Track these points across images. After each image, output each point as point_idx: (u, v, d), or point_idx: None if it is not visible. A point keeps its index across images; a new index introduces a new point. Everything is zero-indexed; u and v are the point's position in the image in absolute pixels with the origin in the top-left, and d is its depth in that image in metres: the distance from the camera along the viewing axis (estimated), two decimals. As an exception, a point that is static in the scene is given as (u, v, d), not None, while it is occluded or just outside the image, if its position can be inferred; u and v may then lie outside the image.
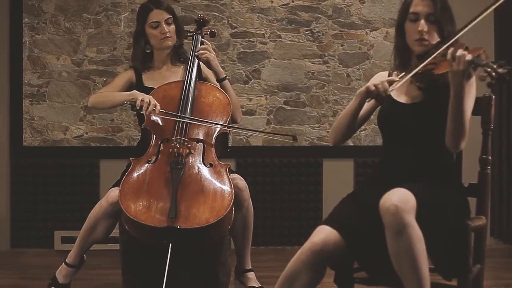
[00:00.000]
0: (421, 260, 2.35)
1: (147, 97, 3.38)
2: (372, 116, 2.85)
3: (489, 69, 2.28)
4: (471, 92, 2.58)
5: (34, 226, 4.80)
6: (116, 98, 3.52)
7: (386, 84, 2.54)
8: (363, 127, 2.91)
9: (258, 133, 3.29)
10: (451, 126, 2.50)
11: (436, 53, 2.53)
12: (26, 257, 4.66)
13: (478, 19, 2.55)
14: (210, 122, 3.44)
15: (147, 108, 3.35)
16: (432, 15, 2.62)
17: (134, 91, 3.48)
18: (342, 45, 4.90)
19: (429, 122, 2.60)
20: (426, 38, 2.62)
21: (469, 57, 2.38)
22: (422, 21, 2.62)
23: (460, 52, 2.41)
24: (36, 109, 4.81)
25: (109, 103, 3.57)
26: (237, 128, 3.48)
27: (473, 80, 2.58)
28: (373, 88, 2.55)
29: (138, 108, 3.37)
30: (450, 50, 2.45)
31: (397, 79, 2.57)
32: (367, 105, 2.73)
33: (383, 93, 2.54)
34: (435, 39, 2.62)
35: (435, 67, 2.54)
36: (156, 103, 3.39)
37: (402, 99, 2.71)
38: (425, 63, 2.56)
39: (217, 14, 4.85)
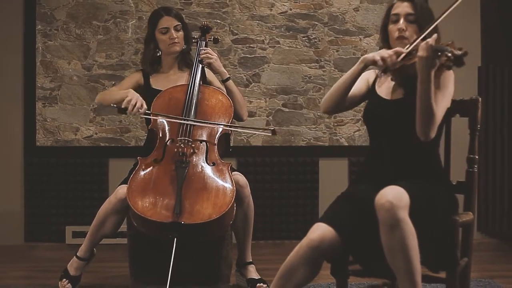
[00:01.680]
0: (414, 254, 2.35)
1: (134, 99, 3.37)
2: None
3: (447, 53, 2.31)
4: (448, 88, 2.58)
5: (46, 221, 4.79)
6: (115, 96, 3.51)
7: (394, 57, 2.56)
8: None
9: (242, 129, 3.38)
10: (419, 113, 2.49)
11: (417, 41, 2.54)
12: (39, 250, 4.66)
13: (451, 9, 2.57)
14: (206, 122, 3.43)
15: (132, 109, 3.35)
16: (411, 15, 2.66)
17: (130, 90, 3.46)
18: (337, 51, 4.90)
19: (409, 117, 2.57)
20: (406, 36, 2.65)
21: (430, 42, 2.40)
22: (402, 20, 2.66)
23: (426, 41, 2.43)
24: (49, 111, 4.82)
25: (110, 101, 3.56)
26: (222, 125, 3.46)
27: (452, 77, 2.60)
28: (381, 62, 2.56)
29: (123, 108, 3.36)
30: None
31: (404, 50, 2.56)
32: (359, 87, 2.75)
33: (391, 66, 2.55)
34: (414, 38, 2.63)
35: (410, 58, 2.55)
36: (143, 104, 3.38)
37: (385, 95, 2.72)
38: (414, 44, 2.55)
39: (219, 21, 4.85)
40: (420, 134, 2.52)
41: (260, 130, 3.33)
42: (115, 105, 3.38)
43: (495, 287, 3.53)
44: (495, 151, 4.78)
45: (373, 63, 2.59)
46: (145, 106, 3.39)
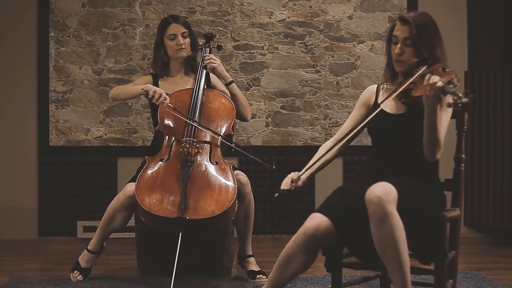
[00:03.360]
0: (402, 246, 2.36)
1: (159, 90, 3.39)
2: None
3: (455, 98, 2.28)
4: (447, 111, 2.59)
5: (59, 216, 4.80)
6: (133, 89, 3.52)
7: (288, 182, 2.63)
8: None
9: (246, 154, 3.43)
10: (426, 140, 2.52)
11: (414, 77, 2.54)
12: (52, 244, 4.66)
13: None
14: (209, 129, 3.42)
15: (158, 99, 3.37)
16: (408, 39, 2.61)
17: (148, 84, 3.49)
18: (332, 56, 4.91)
19: (410, 130, 2.61)
20: (402, 59, 2.62)
21: (440, 84, 2.37)
22: (399, 45, 2.63)
23: (433, 78, 2.40)
24: (61, 113, 4.82)
25: (127, 95, 3.56)
26: (230, 144, 3.46)
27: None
28: (286, 188, 2.64)
29: (150, 97, 3.38)
30: (427, 75, 2.44)
31: (296, 177, 2.63)
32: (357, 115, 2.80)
33: (292, 188, 2.63)
34: (412, 60, 2.61)
35: (414, 88, 2.53)
36: (167, 97, 3.40)
37: (389, 110, 2.72)
38: (402, 88, 2.55)
39: (221, 28, 4.86)
40: (427, 156, 2.55)
41: (261, 161, 3.36)
42: (144, 90, 3.38)
43: (480, 278, 3.53)
44: (481, 151, 4.79)
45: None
46: (168, 99, 3.41)
